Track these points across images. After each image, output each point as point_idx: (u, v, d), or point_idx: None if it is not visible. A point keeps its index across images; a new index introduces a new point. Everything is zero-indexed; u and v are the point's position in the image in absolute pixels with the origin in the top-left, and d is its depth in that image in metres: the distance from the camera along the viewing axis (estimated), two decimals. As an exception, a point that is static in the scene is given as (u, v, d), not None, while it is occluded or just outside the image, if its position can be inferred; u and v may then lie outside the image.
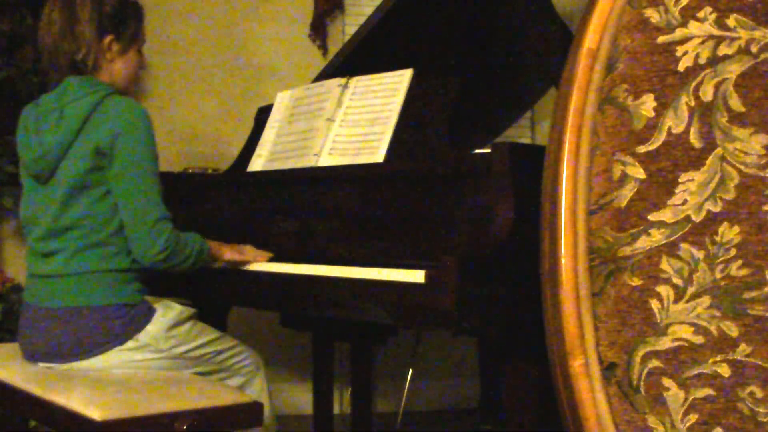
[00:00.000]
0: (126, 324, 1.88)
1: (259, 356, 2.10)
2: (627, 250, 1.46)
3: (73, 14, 1.93)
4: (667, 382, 1.45)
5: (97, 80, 1.95)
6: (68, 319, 1.87)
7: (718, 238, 1.46)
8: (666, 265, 1.45)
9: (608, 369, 1.45)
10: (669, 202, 1.46)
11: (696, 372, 1.45)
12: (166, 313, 1.93)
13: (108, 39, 1.96)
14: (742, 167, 1.46)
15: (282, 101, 2.43)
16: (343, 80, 2.23)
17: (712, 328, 1.45)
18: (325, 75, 2.51)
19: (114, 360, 1.88)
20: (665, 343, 1.45)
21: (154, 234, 1.86)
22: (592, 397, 1.44)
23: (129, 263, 1.92)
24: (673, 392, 1.45)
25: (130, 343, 1.89)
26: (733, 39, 1.47)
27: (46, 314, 1.90)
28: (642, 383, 1.45)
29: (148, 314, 1.91)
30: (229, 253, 2.06)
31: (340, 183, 2.06)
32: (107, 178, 1.88)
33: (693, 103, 1.46)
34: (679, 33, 1.47)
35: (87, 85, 1.93)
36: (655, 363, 1.45)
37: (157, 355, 1.91)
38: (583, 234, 1.45)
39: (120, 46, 1.99)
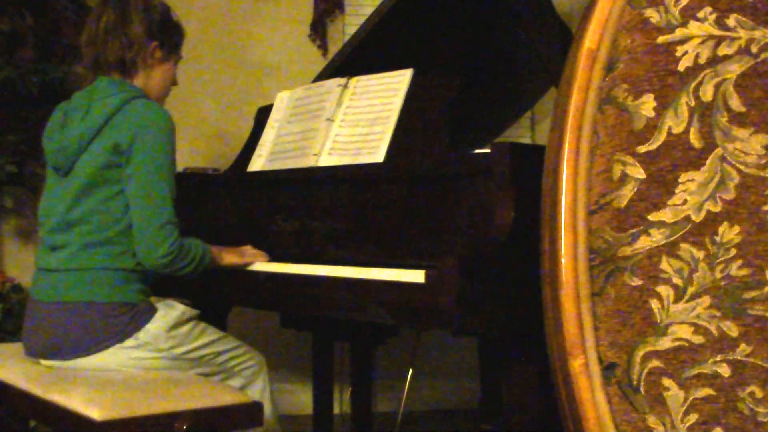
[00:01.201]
0: (127, 322, 1.88)
1: (262, 357, 2.10)
2: (627, 250, 1.46)
3: (127, 15, 1.99)
4: (667, 382, 1.45)
5: (127, 82, 2.00)
6: (69, 315, 1.88)
7: (718, 238, 1.45)
8: (666, 265, 1.45)
9: (608, 369, 1.45)
10: (669, 202, 1.46)
11: (696, 372, 1.45)
12: (168, 313, 1.93)
13: (153, 44, 2.02)
14: (742, 167, 1.46)
15: (282, 101, 2.43)
16: (343, 80, 2.23)
17: (712, 328, 1.45)
18: (325, 75, 2.50)
19: (114, 358, 1.89)
20: (665, 343, 1.45)
21: (159, 237, 1.87)
22: (592, 396, 1.44)
23: (134, 263, 1.92)
24: (673, 392, 1.44)
25: (129, 341, 1.89)
26: (733, 39, 1.47)
27: (48, 309, 1.91)
28: (642, 383, 1.45)
29: (150, 313, 1.92)
30: (228, 258, 2.08)
31: (340, 183, 2.06)
32: (122, 176, 1.90)
33: (693, 103, 1.46)
34: (679, 33, 1.47)
35: (117, 85, 1.97)
36: (655, 363, 1.45)
37: (157, 355, 1.91)
38: (583, 234, 1.45)
39: (162, 54, 2.05)
